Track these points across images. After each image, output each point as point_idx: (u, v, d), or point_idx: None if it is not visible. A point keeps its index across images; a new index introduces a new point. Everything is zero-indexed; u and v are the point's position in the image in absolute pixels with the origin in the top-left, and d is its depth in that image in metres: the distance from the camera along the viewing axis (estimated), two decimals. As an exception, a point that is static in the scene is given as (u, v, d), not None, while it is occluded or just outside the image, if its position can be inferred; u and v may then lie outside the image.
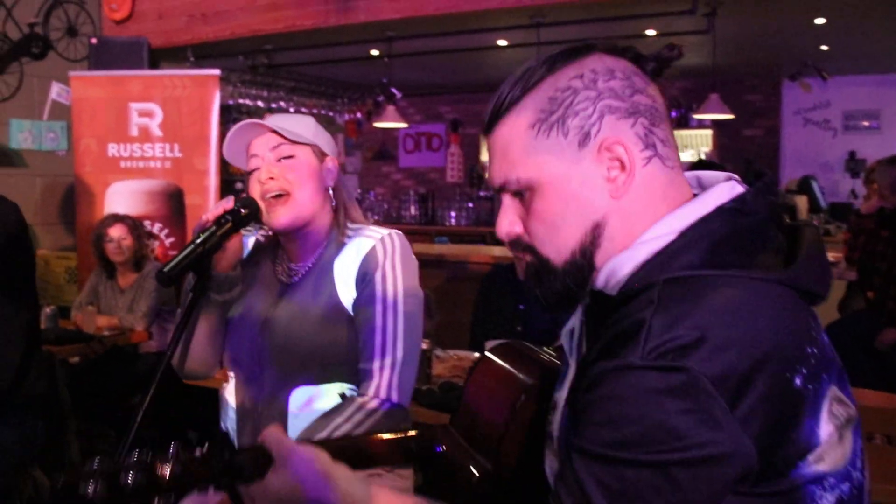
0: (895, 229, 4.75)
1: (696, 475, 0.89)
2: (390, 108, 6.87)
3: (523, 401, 1.25)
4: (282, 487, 1.09)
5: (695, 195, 1.08)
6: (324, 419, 1.80)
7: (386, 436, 1.37)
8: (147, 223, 5.21)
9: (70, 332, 4.16)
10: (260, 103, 8.04)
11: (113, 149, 5.28)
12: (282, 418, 1.85)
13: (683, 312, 0.92)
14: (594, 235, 1.05)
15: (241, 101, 7.86)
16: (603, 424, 0.93)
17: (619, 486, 0.91)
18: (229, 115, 7.89)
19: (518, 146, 1.07)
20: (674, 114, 8.87)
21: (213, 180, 5.26)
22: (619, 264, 1.04)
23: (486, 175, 1.19)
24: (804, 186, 8.00)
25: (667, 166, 1.06)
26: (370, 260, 1.85)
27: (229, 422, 1.94)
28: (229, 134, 1.88)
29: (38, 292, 2.36)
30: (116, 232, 4.49)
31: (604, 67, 1.05)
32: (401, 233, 1.92)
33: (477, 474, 1.24)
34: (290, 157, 1.86)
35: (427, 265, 5.70)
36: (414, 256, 1.93)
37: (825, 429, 0.95)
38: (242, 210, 1.75)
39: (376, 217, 9.98)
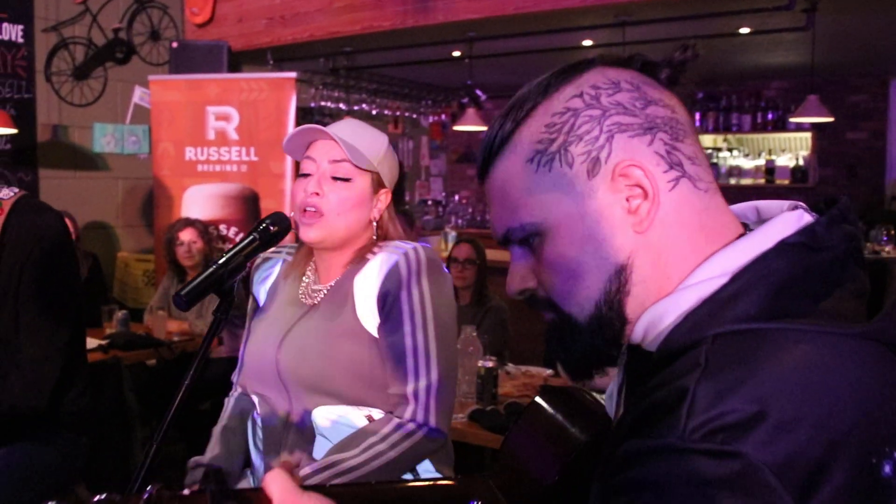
0: None
1: None
2: (470, 112, 6.72)
3: (574, 459, 1.07)
4: None
5: (746, 228, 0.88)
6: (358, 436, 1.70)
7: (417, 484, 1.22)
8: (223, 227, 5.20)
9: (140, 338, 4.14)
10: (342, 105, 7.99)
11: (190, 152, 5.28)
12: (309, 437, 1.75)
13: (738, 379, 0.72)
14: (620, 282, 0.86)
15: (322, 103, 7.82)
16: None
17: None
18: (311, 118, 7.88)
19: (517, 187, 0.89)
20: (770, 115, 8.48)
21: (288, 184, 5.21)
22: (659, 314, 0.84)
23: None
24: (911, 193, 7.54)
25: (698, 188, 0.86)
26: (392, 278, 1.72)
27: (257, 441, 1.84)
28: (296, 130, 1.79)
29: (82, 306, 2.28)
30: (187, 235, 4.47)
31: (606, 81, 0.87)
32: (428, 245, 1.79)
33: None
34: (347, 180, 1.75)
35: (503, 273, 5.57)
36: (445, 269, 1.80)
37: None
38: (272, 227, 1.61)
39: (459, 221, 9.86)
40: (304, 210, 1.74)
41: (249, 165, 5.26)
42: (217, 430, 1.88)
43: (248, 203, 5.29)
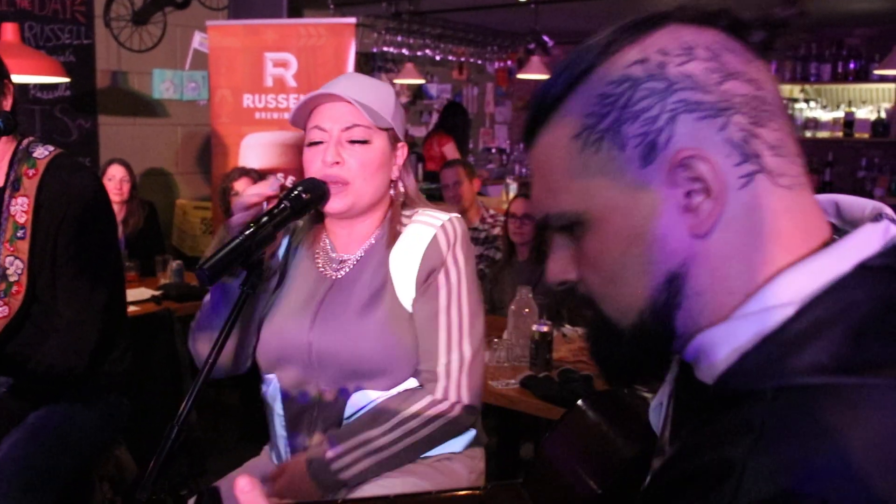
0: None
1: None
2: (535, 59, 6.52)
3: (620, 473, 0.96)
4: None
5: (834, 233, 0.73)
6: (391, 407, 1.62)
7: (441, 495, 1.13)
8: (280, 176, 5.14)
9: (193, 289, 4.11)
10: (405, 51, 7.83)
11: (248, 100, 5.20)
12: (339, 418, 1.66)
13: (798, 454, 0.59)
14: (670, 292, 0.72)
15: (384, 48, 7.67)
16: None
17: None
18: (374, 63, 7.75)
19: (560, 167, 0.75)
20: (852, 65, 8.06)
21: (346, 133, 5.11)
22: (709, 343, 0.70)
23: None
24: None
25: (779, 185, 0.70)
26: (434, 254, 1.64)
27: (278, 427, 1.74)
28: (305, 99, 1.67)
29: (122, 263, 2.23)
30: (242, 185, 4.41)
31: (678, 45, 0.71)
32: (459, 216, 1.70)
33: None
34: (365, 142, 1.62)
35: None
36: (469, 240, 1.73)
37: None
38: (304, 195, 1.51)
39: (524, 170, 9.69)
40: (328, 179, 1.61)
41: (308, 113, 5.17)
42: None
43: (306, 152, 5.22)
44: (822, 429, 0.59)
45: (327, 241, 1.75)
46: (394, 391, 1.64)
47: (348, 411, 1.64)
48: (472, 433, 1.76)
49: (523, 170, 9.81)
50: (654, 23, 0.74)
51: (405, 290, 1.65)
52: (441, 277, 1.65)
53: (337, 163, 1.60)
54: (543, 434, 3.27)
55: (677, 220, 0.71)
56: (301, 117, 1.69)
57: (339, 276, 1.70)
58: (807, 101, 8.49)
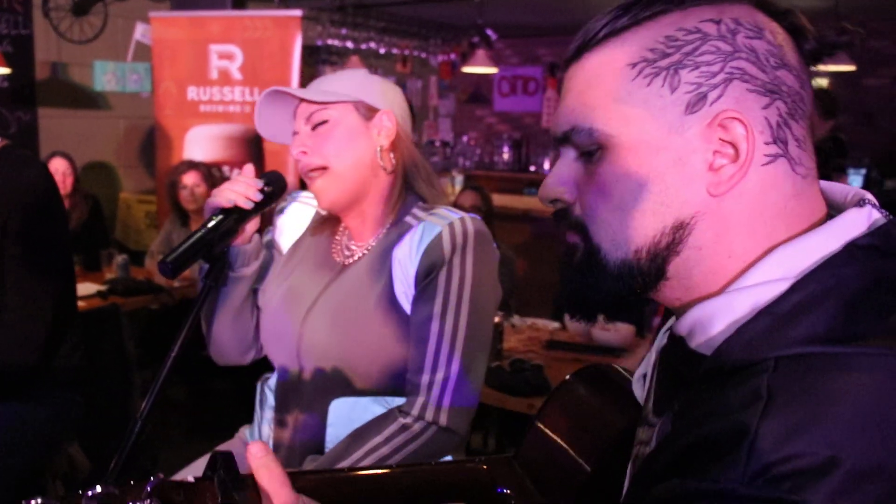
0: None
1: None
2: (480, 52, 6.55)
3: (614, 447, 0.99)
4: None
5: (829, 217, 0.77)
6: (359, 436, 1.56)
7: (440, 467, 1.14)
8: (225, 169, 5.10)
9: (139, 283, 4.08)
10: (349, 44, 7.80)
11: (192, 92, 5.15)
12: (321, 426, 1.63)
13: (808, 416, 0.63)
14: (674, 238, 0.76)
15: (329, 41, 7.64)
16: None
17: None
18: (318, 56, 7.71)
19: (606, 86, 0.77)
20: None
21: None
22: (708, 315, 0.75)
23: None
24: (930, 143, 7.37)
25: (796, 173, 0.76)
26: (434, 251, 1.53)
27: (265, 405, 1.73)
28: (258, 109, 1.63)
29: (72, 259, 2.20)
30: (190, 179, 4.38)
31: (751, 21, 0.75)
32: (477, 217, 1.59)
33: None
34: (324, 122, 1.58)
35: (512, 220, 5.49)
36: (494, 246, 1.60)
37: None
38: (266, 187, 1.52)
39: (467, 163, 9.73)
40: (308, 174, 1.60)
41: (253, 106, 5.12)
42: None
43: (252, 145, 5.18)
44: (825, 393, 0.64)
45: (343, 227, 1.71)
46: (377, 401, 1.60)
47: (331, 419, 1.61)
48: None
49: (467, 162, 9.85)
50: None
51: (404, 288, 1.57)
52: (441, 279, 1.52)
53: (303, 152, 1.58)
54: (493, 425, 3.29)
55: (700, 174, 0.75)
56: (281, 130, 1.68)
57: (346, 265, 1.65)
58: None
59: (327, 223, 1.73)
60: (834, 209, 0.79)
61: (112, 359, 3.65)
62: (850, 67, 6.16)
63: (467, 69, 6.95)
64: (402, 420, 1.53)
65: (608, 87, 0.77)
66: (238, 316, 1.69)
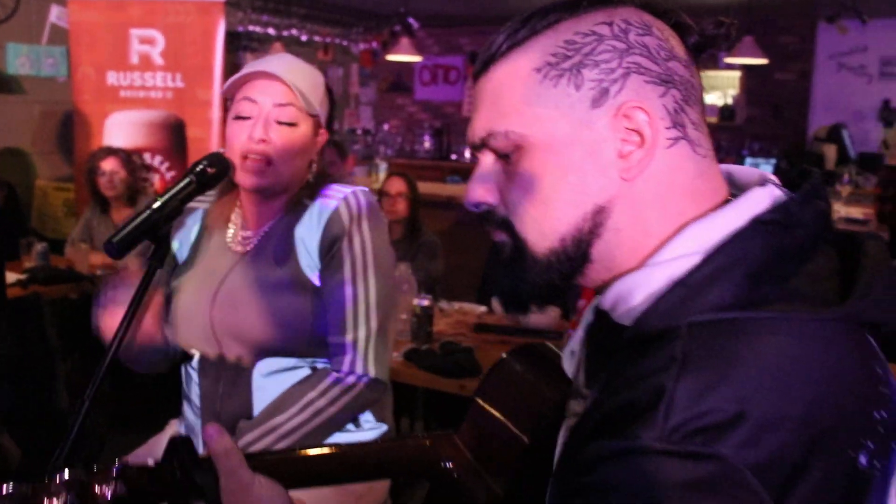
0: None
1: None
2: (405, 41, 6.58)
3: (549, 420, 1.05)
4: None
5: (732, 197, 0.84)
6: (296, 392, 1.66)
7: (385, 444, 1.20)
8: (147, 156, 5.03)
9: (60, 272, 4.00)
10: (271, 31, 7.74)
11: (112, 77, 5.05)
12: (247, 396, 1.69)
13: (716, 377, 0.70)
14: (595, 222, 0.82)
15: (251, 27, 7.56)
16: None
17: None
18: (238, 43, 7.62)
19: (515, 92, 0.84)
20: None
21: (216, 112, 5.05)
22: (628, 289, 0.81)
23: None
24: (834, 135, 7.69)
25: (697, 154, 0.83)
26: (334, 224, 1.66)
27: (192, 395, 1.77)
28: (244, 72, 1.68)
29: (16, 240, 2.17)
30: (109, 165, 4.29)
31: (639, 21, 0.83)
32: (366, 189, 1.73)
33: (485, 501, 1.06)
34: (293, 125, 1.67)
35: (436, 206, 5.53)
36: (382, 214, 1.76)
37: None
38: (209, 169, 1.53)
39: (388, 151, 9.75)
40: (247, 157, 1.65)
41: (175, 92, 5.06)
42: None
43: (174, 131, 5.11)
44: (732, 354, 0.71)
45: (239, 216, 1.78)
46: (301, 362, 1.68)
47: (258, 387, 1.68)
48: (384, 427, 1.80)
49: (388, 150, 9.88)
50: (618, 0, 0.85)
51: (309, 262, 1.68)
52: (345, 248, 1.67)
53: (263, 140, 1.63)
54: (420, 408, 3.33)
55: (612, 161, 0.81)
56: (231, 88, 1.70)
57: (246, 251, 1.73)
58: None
59: (221, 215, 1.80)
60: (739, 189, 0.86)
61: (34, 348, 3.59)
62: (762, 61, 6.40)
63: (391, 57, 6.98)
64: (335, 374, 1.65)
65: (518, 92, 0.83)
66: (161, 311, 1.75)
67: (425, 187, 4.83)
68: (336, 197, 1.69)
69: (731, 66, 8.25)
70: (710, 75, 8.66)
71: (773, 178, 0.85)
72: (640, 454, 0.69)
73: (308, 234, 1.68)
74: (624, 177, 0.81)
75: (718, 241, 0.78)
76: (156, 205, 1.44)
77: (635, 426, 0.70)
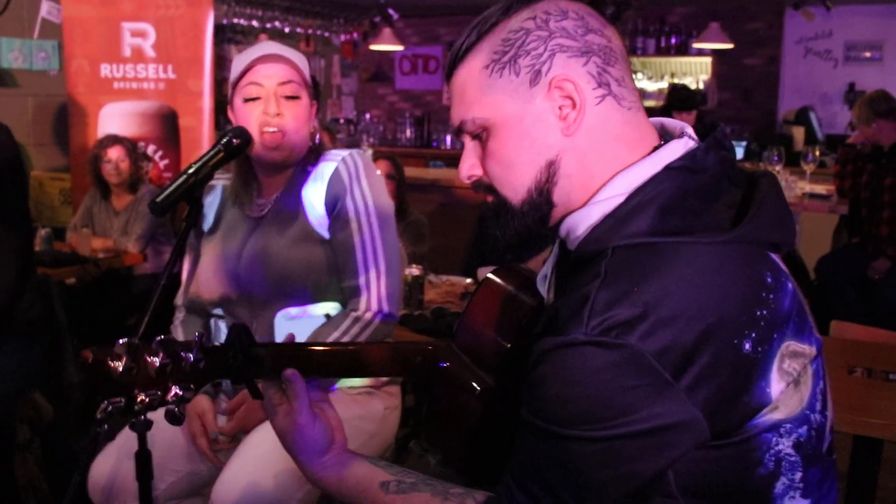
0: (878, 163, 4.76)
1: (642, 447, 0.92)
2: (387, 31, 6.78)
3: (528, 321, 1.26)
4: (284, 431, 1.18)
5: (661, 143, 1.07)
6: (320, 334, 1.86)
7: (398, 343, 1.40)
8: (141, 145, 5.18)
9: (66, 255, 4.18)
10: (255, 23, 7.90)
11: (105, 69, 5.21)
12: (270, 338, 1.90)
13: (628, 287, 0.94)
14: (549, 174, 1.06)
15: (235, 20, 7.72)
16: (549, 401, 0.96)
17: (570, 461, 0.94)
18: (223, 35, 7.78)
19: (473, 87, 1.08)
20: (673, 40, 8.76)
21: (207, 102, 5.21)
22: (575, 223, 1.05)
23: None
24: (802, 117, 7.95)
25: (622, 106, 1.06)
26: (336, 182, 1.89)
27: (220, 336, 1.99)
28: (250, 50, 1.89)
29: (31, 215, 2.36)
30: (115, 153, 4.47)
31: (557, 9, 1.06)
32: (361, 150, 1.97)
33: (479, 389, 1.26)
34: (297, 97, 1.88)
35: (421, 190, 5.74)
36: (378, 171, 1.99)
37: (776, 387, 0.96)
38: (235, 140, 1.75)
39: (371, 140, 9.92)
40: (264, 132, 1.85)
41: (167, 83, 5.23)
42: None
43: (167, 121, 5.28)
44: (641, 270, 0.95)
45: (255, 187, 1.99)
46: (317, 306, 1.90)
47: (279, 324, 1.89)
48: None
49: (371, 139, 10.04)
50: None
51: (318, 218, 1.90)
52: (349, 203, 1.89)
53: (279, 114, 1.85)
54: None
55: (553, 124, 1.05)
56: (235, 75, 1.91)
57: (262, 215, 1.95)
58: (634, 72, 9.12)
59: (239, 187, 2.00)
60: (671, 136, 1.09)
61: (44, 328, 3.76)
62: (729, 46, 6.64)
63: (374, 47, 7.16)
64: (354, 314, 1.87)
65: (475, 87, 1.07)
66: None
67: (409, 172, 5.02)
68: (335, 159, 1.93)
69: (701, 53, 8.50)
70: (682, 61, 8.91)
71: (690, 130, 1.09)
72: (572, 346, 0.93)
73: (314, 194, 1.90)
74: (565, 133, 1.05)
75: (639, 184, 1.02)
76: (190, 170, 1.65)
77: (568, 325, 0.95)
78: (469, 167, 1.12)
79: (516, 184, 1.07)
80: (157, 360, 1.05)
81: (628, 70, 1.08)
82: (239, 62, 1.88)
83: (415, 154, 9.10)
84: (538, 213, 1.08)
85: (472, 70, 1.08)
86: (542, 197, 1.07)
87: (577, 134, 1.04)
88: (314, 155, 1.96)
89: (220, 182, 2.05)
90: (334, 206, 1.89)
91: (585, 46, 1.04)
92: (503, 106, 1.06)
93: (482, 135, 1.09)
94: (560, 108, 1.04)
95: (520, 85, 1.05)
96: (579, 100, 1.03)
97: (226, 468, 1.79)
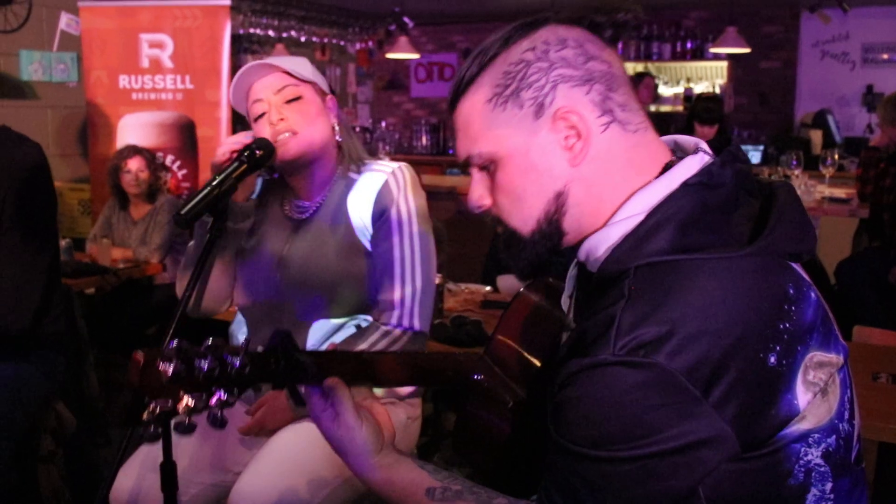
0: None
1: (674, 464, 0.92)
2: (402, 39, 6.80)
3: (559, 339, 1.25)
4: (330, 436, 1.18)
5: (675, 159, 1.07)
6: (347, 343, 1.86)
7: (434, 355, 1.40)
8: (159, 155, 5.22)
9: (86, 265, 4.20)
10: (271, 33, 7.95)
11: (124, 80, 5.25)
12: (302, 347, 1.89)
13: (653, 306, 0.94)
14: (558, 204, 1.06)
15: (251, 30, 7.77)
16: (580, 423, 0.96)
17: (603, 481, 0.95)
18: (240, 45, 7.82)
19: (477, 121, 1.08)
20: (689, 45, 8.74)
21: (224, 112, 5.24)
22: (595, 244, 1.05)
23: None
24: (819, 120, 7.91)
25: (627, 130, 1.05)
26: (385, 195, 1.89)
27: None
28: (237, 77, 1.90)
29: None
30: (135, 164, 4.50)
31: (556, 38, 1.06)
32: (408, 164, 1.97)
33: (512, 402, 1.26)
34: (298, 98, 1.88)
35: (438, 197, 5.74)
36: (421, 187, 1.99)
37: (803, 399, 0.96)
38: (258, 151, 1.76)
39: (387, 147, 9.95)
40: (278, 141, 1.85)
41: (185, 94, 5.27)
42: None
43: (185, 131, 5.31)
44: (665, 288, 0.95)
45: (293, 192, 1.99)
46: (351, 320, 1.90)
47: (311, 340, 1.89)
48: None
49: (387, 147, 10.07)
50: (538, 24, 1.08)
51: (362, 228, 1.90)
52: (393, 216, 1.88)
53: (282, 119, 1.85)
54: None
55: (560, 155, 1.05)
56: (240, 102, 1.93)
57: (304, 218, 1.95)
58: (652, 77, 9.12)
59: (275, 191, 2.02)
60: (685, 152, 1.09)
61: (67, 337, 3.78)
62: (745, 50, 6.61)
63: (390, 55, 7.19)
64: (384, 328, 1.87)
65: (480, 120, 1.07)
66: (228, 267, 1.94)
67: (426, 180, 5.04)
68: (384, 171, 1.93)
69: (717, 57, 8.48)
70: (698, 66, 8.89)
71: (705, 146, 1.09)
72: (600, 367, 0.93)
73: (361, 204, 1.91)
74: (572, 164, 1.04)
75: (657, 202, 1.01)
76: (215, 182, 1.66)
77: (594, 347, 0.95)
78: (478, 198, 1.12)
79: (525, 215, 1.08)
80: (205, 364, 1.05)
81: (631, 92, 1.08)
82: (239, 90, 1.90)
83: (431, 161, 9.11)
84: (549, 243, 1.08)
85: (474, 104, 1.08)
86: (551, 227, 1.07)
87: (583, 163, 1.04)
88: (355, 161, 1.96)
89: (260, 178, 2.05)
90: (380, 218, 1.90)
91: (587, 74, 1.03)
92: (508, 139, 1.05)
93: (490, 167, 1.09)
94: (565, 138, 1.04)
95: (524, 118, 1.05)
96: (584, 130, 1.03)
97: (246, 470, 1.80)
